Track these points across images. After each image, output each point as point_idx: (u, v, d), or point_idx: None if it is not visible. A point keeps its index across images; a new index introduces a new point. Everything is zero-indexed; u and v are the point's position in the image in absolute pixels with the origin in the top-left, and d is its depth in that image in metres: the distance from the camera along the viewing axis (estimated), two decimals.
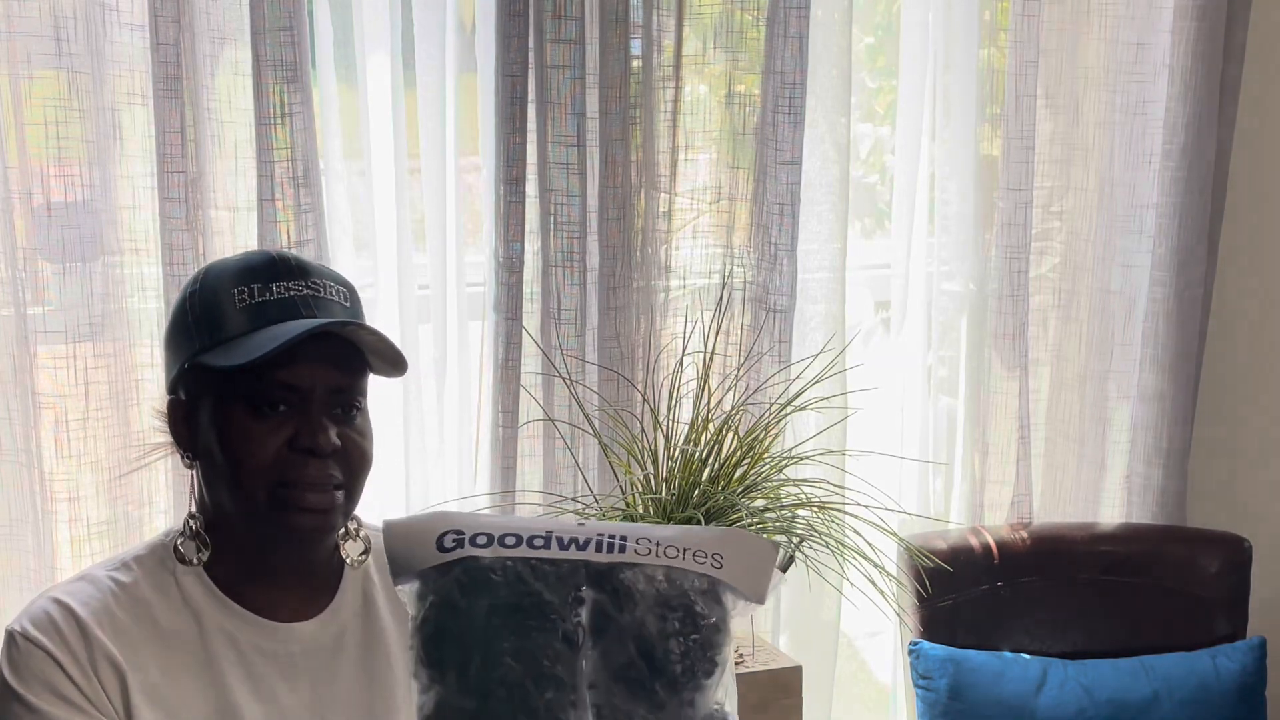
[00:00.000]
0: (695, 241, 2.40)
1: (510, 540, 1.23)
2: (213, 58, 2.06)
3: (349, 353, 1.41)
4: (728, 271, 2.39)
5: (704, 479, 1.95)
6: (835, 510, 1.97)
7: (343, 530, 1.48)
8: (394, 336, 2.16)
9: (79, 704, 1.35)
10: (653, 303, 2.36)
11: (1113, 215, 2.67)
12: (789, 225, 2.37)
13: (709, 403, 2.02)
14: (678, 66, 2.32)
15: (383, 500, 2.24)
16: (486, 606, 1.20)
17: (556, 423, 2.27)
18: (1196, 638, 2.57)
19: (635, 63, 2.28)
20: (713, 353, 2.10)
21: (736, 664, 2.15)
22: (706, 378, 2.04)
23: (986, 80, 2.58)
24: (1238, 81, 2.70)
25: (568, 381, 2.20)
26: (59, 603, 1.38)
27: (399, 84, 2.24)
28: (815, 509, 1.96)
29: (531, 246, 2.27)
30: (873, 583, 1.97)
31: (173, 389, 1.44)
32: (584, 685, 1.20)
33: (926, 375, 2.69)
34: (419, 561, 1.23)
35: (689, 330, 2.22)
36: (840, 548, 1.95)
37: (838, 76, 2.45)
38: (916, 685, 2.47)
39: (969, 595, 2.52)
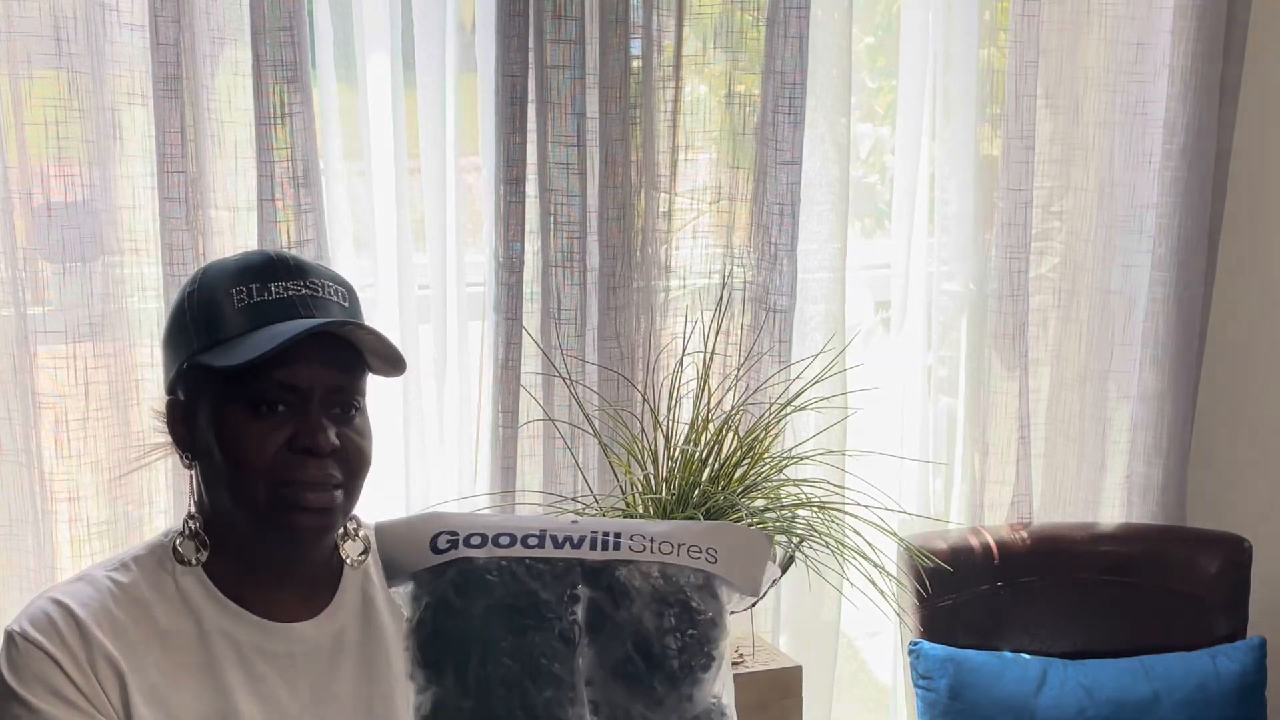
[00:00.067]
0: (695, 241, 2.40)
1: (504, 540, 1.23)
2: (213, 58, 2.06)
3: (348, 352, 1.41)
4: (728, 271, 2.39)
5: (704, 479, 1.95)
6: (835, 510, 1.97)
7: (342, 530, 1.48)
8: (394, 336, 2.17)
9: (78, 704, 1.35)
10: (653, 303, 2.36)
11: (1113, 215, 2.67)
12: (789, 225, 2.37)
13: (709, 403, 2.01)
14: (678, 66, 2.32)
15: (383, 500, 2.24)
16: (483, 607, 1.20)
17: (556, 423, 2.27)
18: (1196, 638, 2.57)
19: (635, 63, 2.28)
20: (713, 353, 2.10)
21: (736, 664, 2.16)
22: (706, 378, 2.03)
23: (986, 80, 2.58)
24: (1238, 81, 2.70)
25: (568, 381, 2.20)
26: (58, 603, 1.38)
27: (399, 84, 2.24)
28: (815, 509, 1.96)
29: (531, 246, 2.27)
30: (873, 583, 1.97)
31: (171, 389, 1.44)
32: (582, 683, 1.20)
33: (926, 375, 2.69)
34: (413, 563, 1.23)
35: (689, 330, 2.21)
36: (840, 548, 1.95)
37: (838, 76, 2.45)
38: (916, 685, 2.47)
39: (969, 595, 2.52)
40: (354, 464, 1.42)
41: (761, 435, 2.00)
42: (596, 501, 2.15)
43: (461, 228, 2.33)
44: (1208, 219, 2.70)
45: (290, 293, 1.40)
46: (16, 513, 2.04)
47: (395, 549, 1.24)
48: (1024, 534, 2.62)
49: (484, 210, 2.28)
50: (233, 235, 2.12)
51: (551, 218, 2.25)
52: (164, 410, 1.45)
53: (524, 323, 2.26)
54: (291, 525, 1.39)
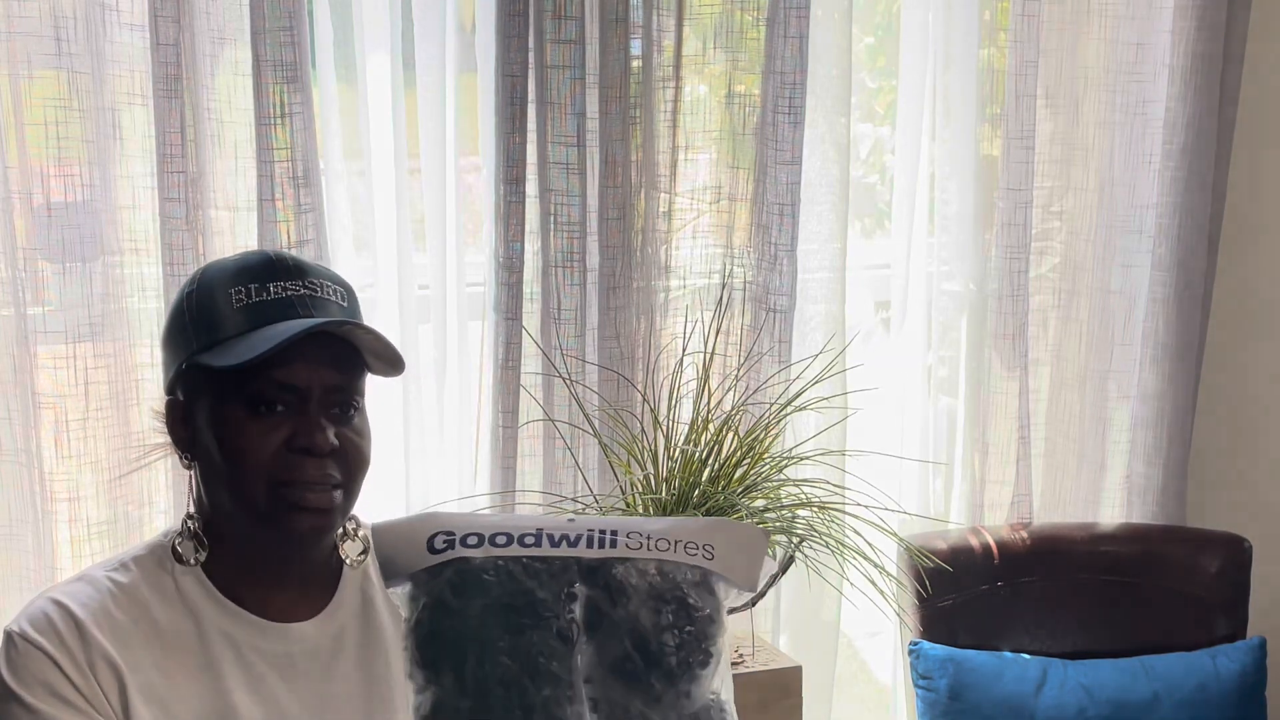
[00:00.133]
0: (695, 241, 2.40)
1: (501, 539, 1.24)
2: (213, 58, 2.06)
3: (346, 352, 1.41)
4: (728, 271, 2.39)
5: (704, 479, 1.95)
6: (835, 510, 1.97)
7: (341, 530, 1.48)
8: (394, 336, 2.17)
9: (77, 704, 1.35)
10: (653, 303, 2.36)
11: (1113, 215, 2.67)
12: (789, 225, 2.37)
13: (709, 403, 2.02)
14: (678, 66, 2.32)
15: (383, 501, 2.24)
16: (480, 606, 1.20)
17: (556, 423, 2.27)
18: (1196, 638, 2.57)
19: (635, 63, 2.28)
20: (713, 353, 2.10)
21: (736, 664, 2.16)
22: (706, 378, 2.04)
23: (986, 80, 2.58)
24: (1238, 81, 2.70)
25: (568, 381, 2.20)
26: (57, 603, 1.38)
27: (399, 84, 2.24)
28: (815, 509, 1.96)
29: (531, 246, 2.27)
30: (873, 583, 1.97)
31: (171, 389, 1.44)
32: (580, 681, 1.20)
33: (926, 375, 2.69)
34: (410, 564, 1.23)
35: (689, 330, 2.22)
36: (840, 548, 1.95)
37: (838, 76, 2.45)
38: (916, 685, 2.47)
39: (969, 595, 2.52)
40: (353, 464, 1.42)
41: (761, 435, 2.00)
42: (597, 502, 2.15)
43: (461, 228, 2.33)
44: (1208, 219, 2.70)
45: (289, 293, 1.40)
46: (16, 513, 2.04)
47: (392, 550, 1.24)
48: (1024, 534, 2.62)
49: (484, 210, 2.28)
50: (233, 235, 2.12)
51: (551, 218, 2.25)
52: (163, 410, 1.45)
53: (524, 323, 2.26)
54: (290, 526, 1.39)
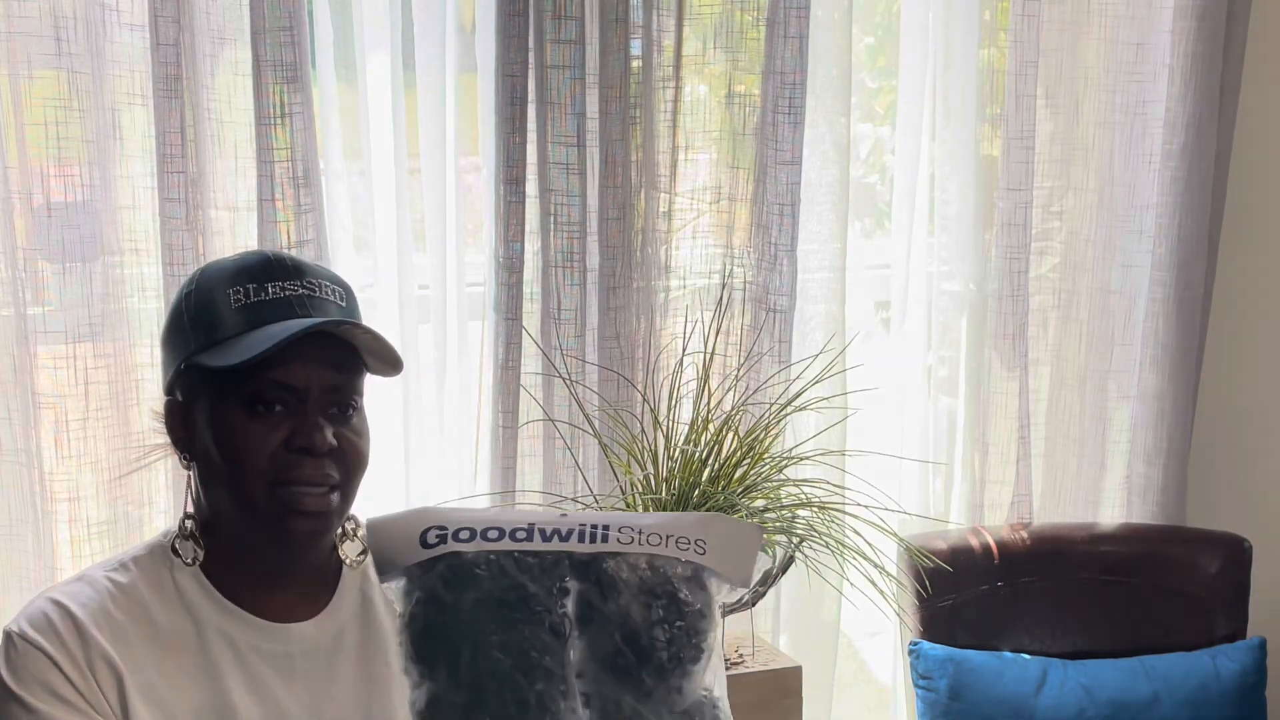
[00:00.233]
0: (695, 241, 2.40)
1: (493, 534, 1.24)
2: (213, 58, 2.06)
3: (345, 352, 1.41)
4: (728, 271, 2.39)
5: (704, 479, 1.95)
6: (835, 510, 1.97)
7: (340, 530, 1.48)
8: (394, 336, 2.17)
9: (76, 704, 1.35)
10: (653, 303, 2.36)
11: (1113, 215, 2.67)
12: (789, 225, 2.37)
13: (709, 403, 2.02)
14: (678, 66, 2.32)
15: (383, 501, 2.24)
16: (472, 601, 1.21)
17: (556, 423, 2.27)
18: (1196, 638, 2.57)
19: (635, 63, 2.28)
20: (713, 353, 2.10)
21: (737, 664, 2.16)
22: (706, 378, 2.04)
23: (986, 80, 2.58)
24: (1238, 81, 2.70)
25: (568, 381, 2.20)
26: (56, 603, 1.38)
27: (399, 84, 2.24)
28: (815, 509, 1.96)
29: (531, 246, 2.27)
30: (873, 583, 1.97)
31: (170, 390, 1.44)
32: (573, 675, 1.21)
33: (926, 375, 2.69)
34: (404, 558, 1.23)
35: (689, 330, 2.22)
36: (840, 548, 1.95)
37: (838, 76, 2.45)
38: (916, 685, 2.47)
39: (969, 595, 2.52)
40: (351, 464, 1.42)
41: (761, 435, 2.00)
42: (597, 502, 2.15)
43: (461, 228, 2.33)
44: (1208, 219, 2.70)
45: (287, 292, 1.40)
46: (16, 513, 2.04)
47: (386, 544, 1.25)
48: (1024, 534, 2.62)
49: (484, 210, 2.28)
50: (233, 235, 2.12)
51: (551, 218, 2.25)
52: (162, 411, 1.45)
53: (524, 323, 2.26)
54: (287, 529, 1.39)
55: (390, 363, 1.43)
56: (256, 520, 1.39)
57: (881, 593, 1.98)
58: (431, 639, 1.21)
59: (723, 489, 1.95)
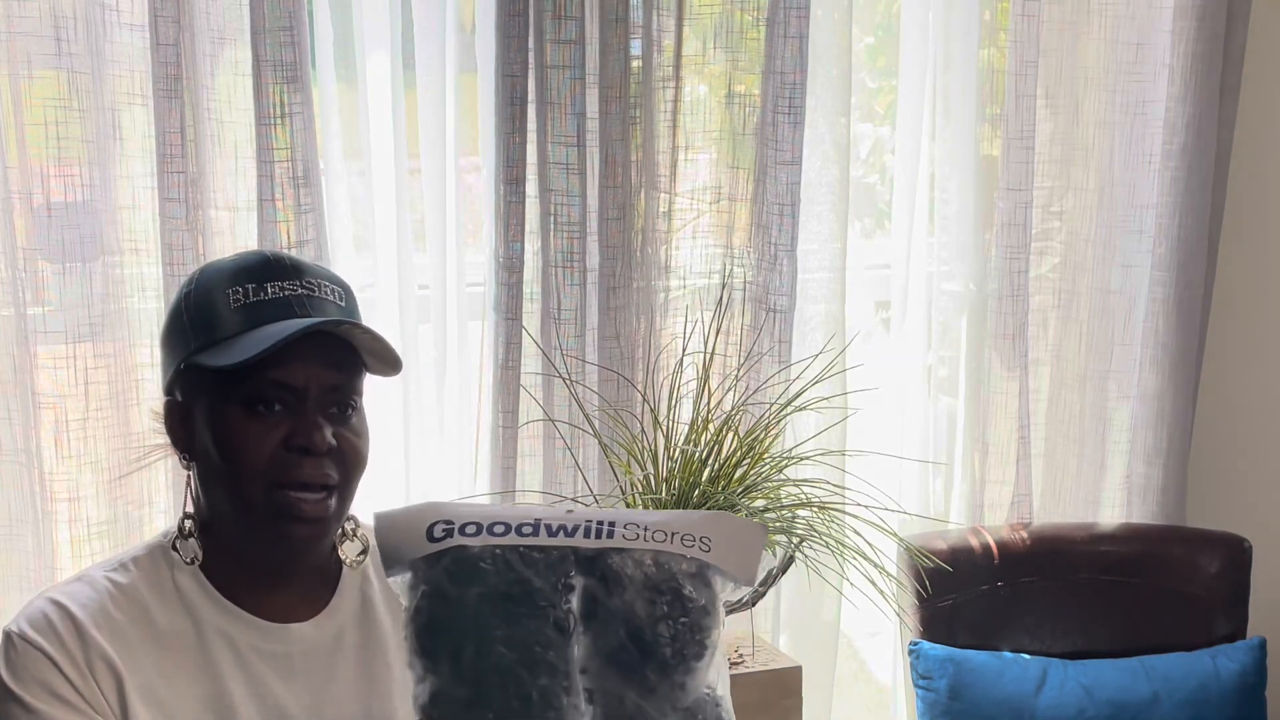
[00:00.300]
0: (695, 241, 2.40)
1: (499, 528, 1.24)
2: (213, 58, 2.06)
3: (344, 352, 1.41)
4: (728, 271, 2.39)
5: (704, 479, 1.95)
6: (835, 510, 1.97)
7: (340, 531, 1.48)
8: (394, 336, 2.17)
9: (76, 704, 1.35)
10: (653, 303, 2.36)
11: (1113, 215, 2.67)
12: (789, 225, 2.37)
13: (709, 403, 2.01)
14: (678, 66, 2.32)
15: (383, 501, 2.24)
16: (477, 595, 1.21)
17: (556, 423, 2.27)
18: (1196, 638, 2.57)
19: (635, 63, 2.28)
20: (713, 353, 2.10)
21: (736, 664, 2.16)
22: (706, 378, 2.03)
23: (986, 80, 2.58)
24: (1238, 81, 2.70)
25: (568, 381, 2.20)
26: (56, 604, 1.38)
27: (399, 84, 2.24)
28: (815, 509, 1.96)
29: (531, 246, 2.27)
30: (873, 583, 1.97)
31: (169, 390, 1.44)
32: (576, 671, 1.21)
33: (926, 375, 2.69)
34: (409, 552, 1.23)
35: (689, 330, 2.21)
36: (840, 548, 1.95)
37: (838, 76, 2.45)
38: (916, 685, 2.47)
39: (969, 595, 2.52)
40: (350, 463, 1.42)
41: (761, 435, 2.00)
42: (596, 502, 2.15)
43: (461, 228, 2.33)
44: (1208, 219, 2.70)
45: (286, 292, 1.40)
46: (16, 513, 2.04)
47: (393, 538, 1.25)
48: (1024, 534, 2.62)
49: (484, 210, 2.28)
50: (233, 235, 2.12)
51: (551, 218, 2.25)
52: (162, 411, 1.45)
53: (524, 323, 2.26)
54: (286, 535, 1.39)
55: (389, 362, 1.43)
56: (255, 521, 1.39)
57: (881, 593, 1.98)
58: (435, 633, 1.22)
59: (723, 489, 1.94)
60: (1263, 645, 2.53)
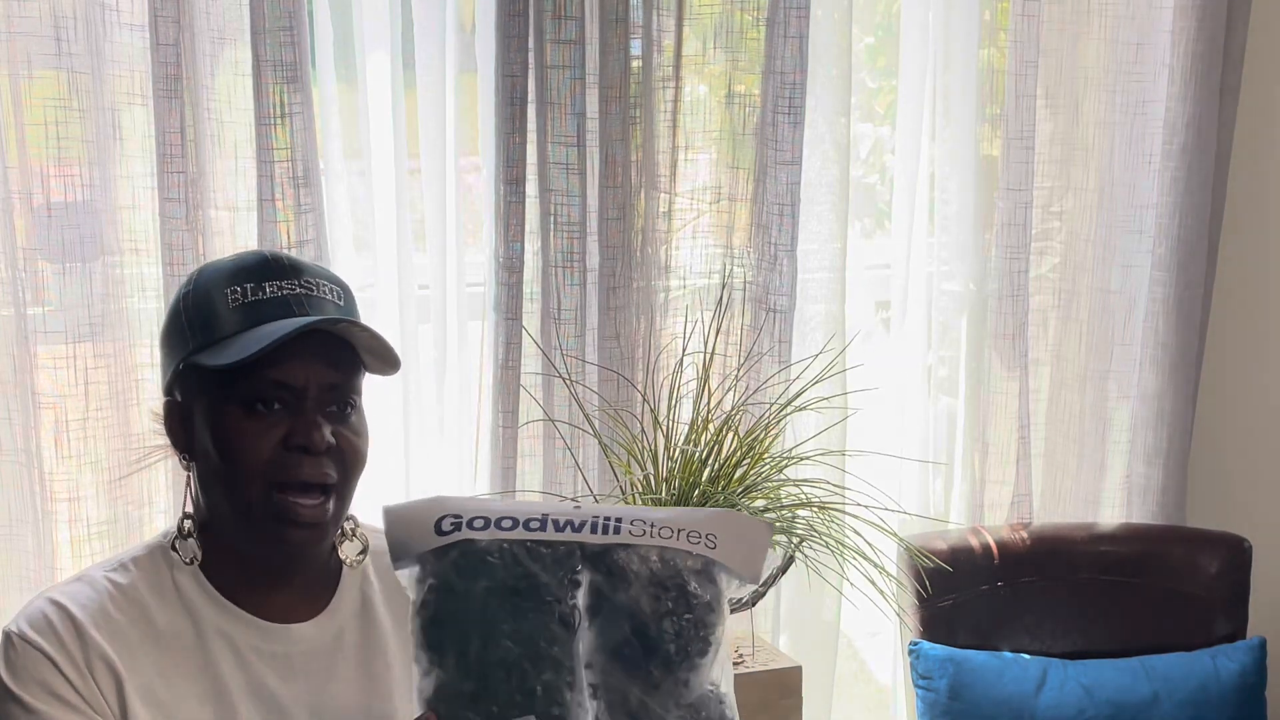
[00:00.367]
0: (695, 241, 2.40)
1: (506, 523, 1.25)
2: (213, 58, 2.06)
3: (342, 350, 1.41)
4: (728, 271, 2.39)
5: (704, 479, 1.95)
6: (835, 510, 1.97)
7: (339, 531, 1.48)
8: (394, 336, 2.17)
9: (75, 704, 1.35)
10: (653, 303, 2.36)
11: (1113, 215, 2.67)
12: (789, 225, 2.37)
13: (709, 403, 2.02)
14: (678, 66, 2.32)
15: (382, 501, 2.24)
16: (483, 589, 1.21)
17: (556, 423, 2.27)
18: (1196, 638, 2.57)
19: (635, 63, 2.28)
20: (713, 353, 2.10)
21: (736, 664, 2.16)
22: (706, 378, 2.04)
23: (986, 80, 2.58)
24: (1238, 81, 2.70)
25: (568, 381, 2.20)
26: (55, 604, 1.38)
27: (399, 84, 2.24)
28: (815, 509, 1.96)
29: (531, 246, 2.27)
30: (873, 583, 1.97)
31: (169, 390, 1.44)
32: (580, 666, 1.21)
33: (926, 375, 2.69)
34: (417, 545, 1.24)
35: (689, 330, 2.22)
36: (840, 548, 1.95)
37: (838, 76, 2.45)
38: (916, 685, 2.47)
39: (969, 595, 2.52)
40: (350, 462, 1.42)
41: (761, 435, 2.00)
42: (597, 502, 2.15)
43: (461, 228, 2.33)
44: (1208, 219, 2.70)
45: (285, 292, 1.40)
46: (16, 513, 2.04)
47: (401, 531, 1.26)
48: (1024, 534, 2.62)
49: (484, 210, 2.28)
50: (233, 235, 2.12)
51: (551, 218, 2.25)
52: (162, 412, 1.45)
53: (524, 323, 2.26)
54: (282, 538, 1.39)
55: (388, 361, 1.43)
56: (254, 523, 1.39)
57: (881, 593, 1.98)
58: (442, 626, 1.22)
59: (723, 489, 1.95)
60: (1263, 645, 2.53)
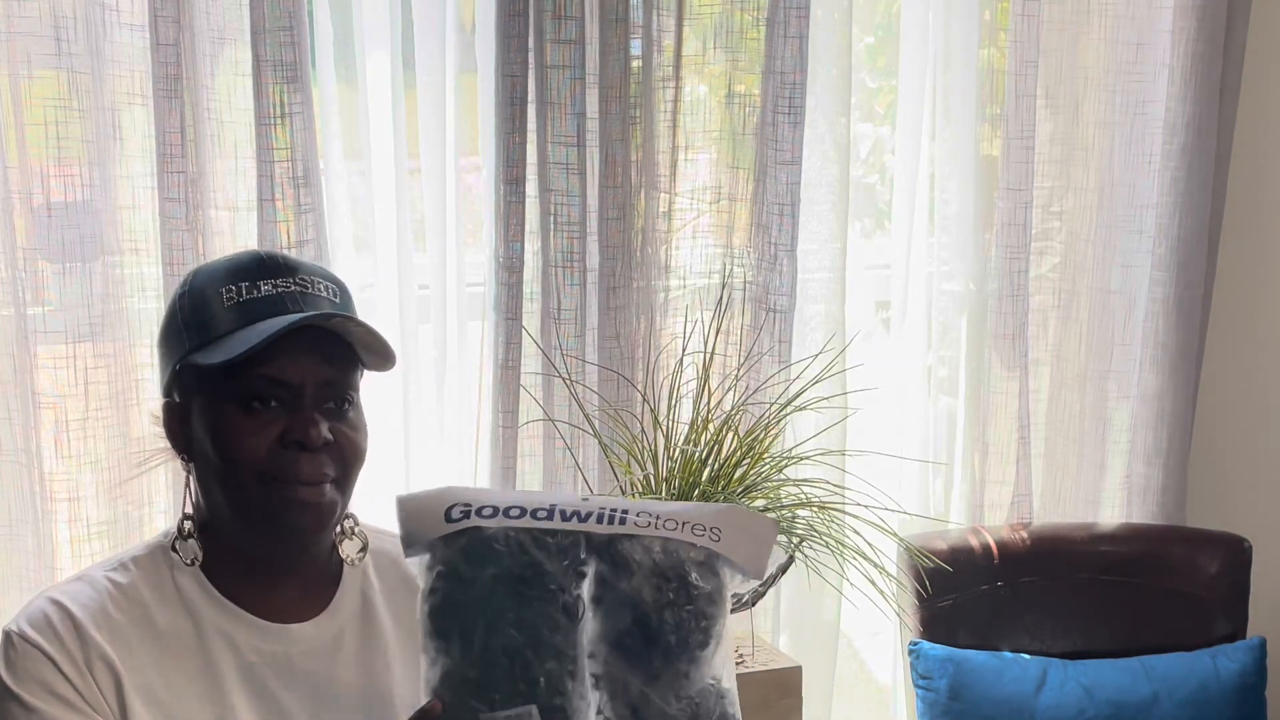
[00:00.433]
0: (695, 241, 2.40)
1: (514, 512, 1.27)
2: (213, 58, 2.06)
3: (338, 347, 1.41)
4: (728, 271, 2.39)
5: (704, 479, 1.95)
6: (835, 510, 1.97)
7: (339, 529, 1.48)
8: (394, 336, 2.17)
9: (75, 704, 1.35)
10: (653, 303, 2.36)
11: (1113, 215, 2.67)
12: (789, 225, 2.37)
13: (709, 403, 2.02)
14: (678, 66, 2.32)
15: (383, 501, 2.24)
16: (490, 576, 1.23)
17: (556, 423, 2.27)
18: (1196, 638, 2.57)
19: (635, 63, 2.28)
20: (713, 353, 2.10)
21: (737, 664, 2.16)
22: (706, 378, 2.04)
23: (986, 80, 2.58)
24: (1238, 81, 2.70)
25: (568, 381, 2.20)
26: (56, 603, 1.38)
27: (399, 84, 2.24)
28: (815, 509, 1.96)
29: (531, 246, 2.27)
30: (873, 583, 1.97)
31: (167, 392, 1.44)
32: (583, 656, 1.22)
33: (926, 375, 2.69)
34: (428, 532, 1.27)
35: (689, 330, 2.22)
36: (840, 548, 1.95)
37: (838, 76, 2.45)
38: (916, 685, 2.47)
39: (969, 595, 2.52)
40: (349, 458, 1.41)
41: (761, 435, 2.00)
42: None
43: (461, 228, 2.33)
44: (1208, 219, 2.70)
45: (279, 289, 1.40)
46: (16, 513, 2.04)
47: (413, 520, 1.29)
48: (1024, 534, 2.62)
49: (484, 210, 2.28)
50: (233, 235, 2.12)
51: (551, 218, 2.25)
52: (161, 415, 1.45)
53: (524, 323, 2.26)
54: (283, 521, 1.39)
55: (383, 356, 1.42)
56: (253, 516, 1.39)
57: (881, 593, 1.98)
58: (449, 613, 1.24)
59: (723, 489, 1.95)
60: (1263, 645, 2.53)
